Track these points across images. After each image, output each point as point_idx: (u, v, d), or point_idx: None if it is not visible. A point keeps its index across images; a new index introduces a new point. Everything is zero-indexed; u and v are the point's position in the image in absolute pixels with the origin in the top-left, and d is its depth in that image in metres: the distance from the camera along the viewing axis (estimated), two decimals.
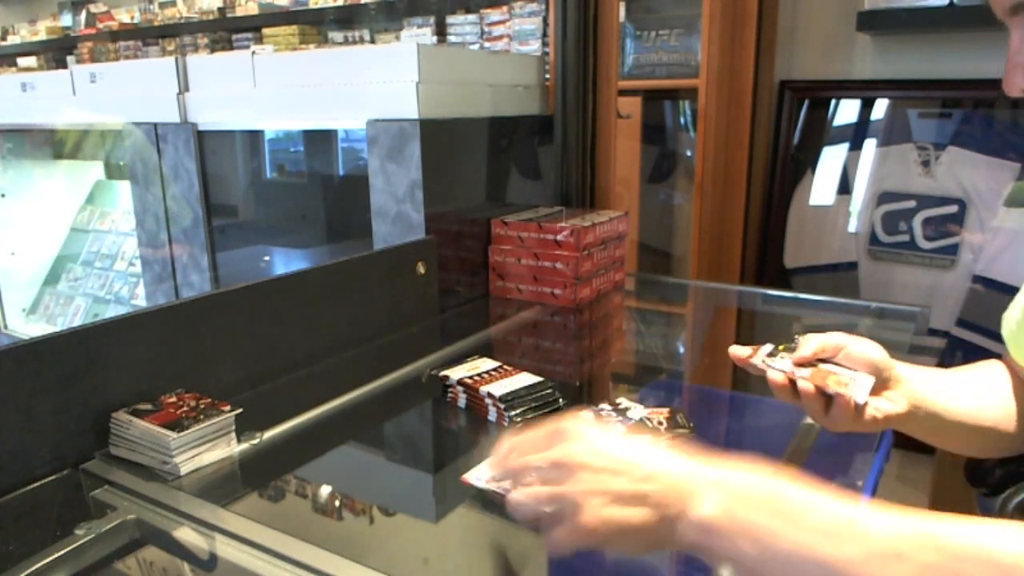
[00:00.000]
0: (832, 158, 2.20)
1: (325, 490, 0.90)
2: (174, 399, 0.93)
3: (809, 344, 0.78)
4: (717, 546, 0.50)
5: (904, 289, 2.08)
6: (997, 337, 0.83)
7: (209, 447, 0.88)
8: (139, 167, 1.90)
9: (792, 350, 0.80)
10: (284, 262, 1.96)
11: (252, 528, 0.73)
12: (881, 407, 0.75)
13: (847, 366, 0.78)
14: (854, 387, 0.74)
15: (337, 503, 0.88)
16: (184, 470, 0.85)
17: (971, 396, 0.80)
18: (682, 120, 2.56)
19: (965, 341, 1.94)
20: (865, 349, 0.78)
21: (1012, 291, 0.81)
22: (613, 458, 0.55)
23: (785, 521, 0.48)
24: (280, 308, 1.14)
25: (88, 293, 2.47)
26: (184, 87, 1.78)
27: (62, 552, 0.71)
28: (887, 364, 0.78)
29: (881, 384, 0.77)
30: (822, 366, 0.78)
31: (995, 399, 0.80)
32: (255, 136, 1.89)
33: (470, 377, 1.05)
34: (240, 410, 0.91)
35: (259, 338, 1.11)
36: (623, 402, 1.03)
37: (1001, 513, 0.81)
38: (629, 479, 0.54)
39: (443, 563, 0.77)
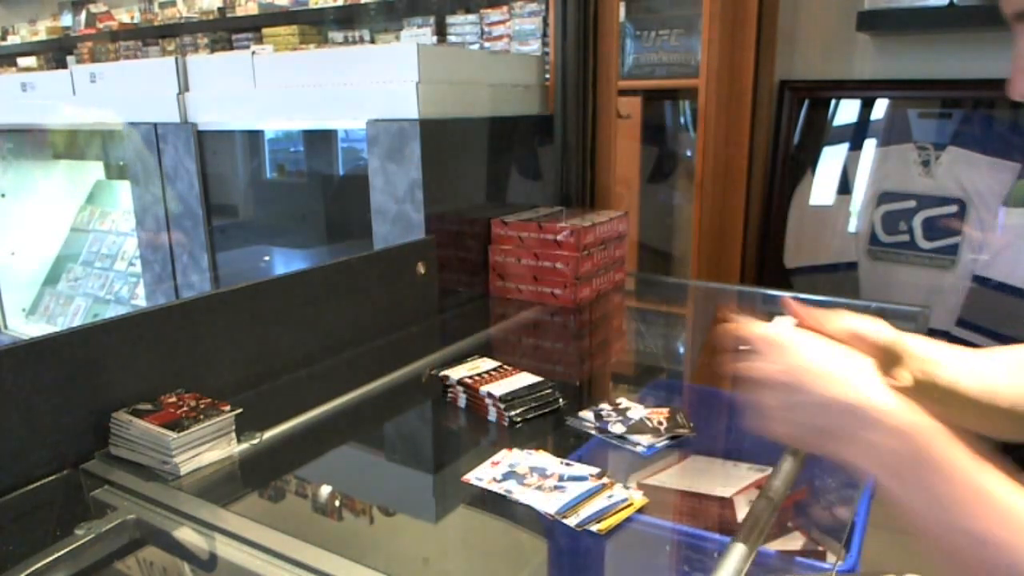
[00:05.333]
0: (832, 158, 2.20)
1: (325, 490, 0.90)
2: (174, 399, 0.93)
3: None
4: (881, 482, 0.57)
5: (904, 289, 2.08)
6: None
7: (209, 447, 0.88)
8: (139, 167, 1.90)
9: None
10: (284, 262, 1.96)
11: (252, 528, 0.73)
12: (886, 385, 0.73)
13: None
14: None
15: (337, 503, 0.88)
16: (184, 470, 0.85)
17: (988, 373, 0.77)
18: (682, 120, 2.56)
19: (965, 341, 1.94)
20: (868, 328, 0.75)
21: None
22: (806, 376, 0.62)
23: (923, 495, 0.53)
24: (280, 308, 1.14)
25: (88, 293, 2.47)
26: (184, 87, 1.78)
27: (62, 552, 0.71)
28: (890, 341, 0.75)
29: (887, 359, 0.74)
30: None
31: (1015, 378, 0.77)
32: (255, 136, 1.89)
33: (470, 377, 1.05)
34: (240, 410, 0.91)
35: (259, 338, 1.11)
36: (623, 402, 1.04)
37: None
38: (809, 402, 0.61)
39: (443, 563, 0.77)
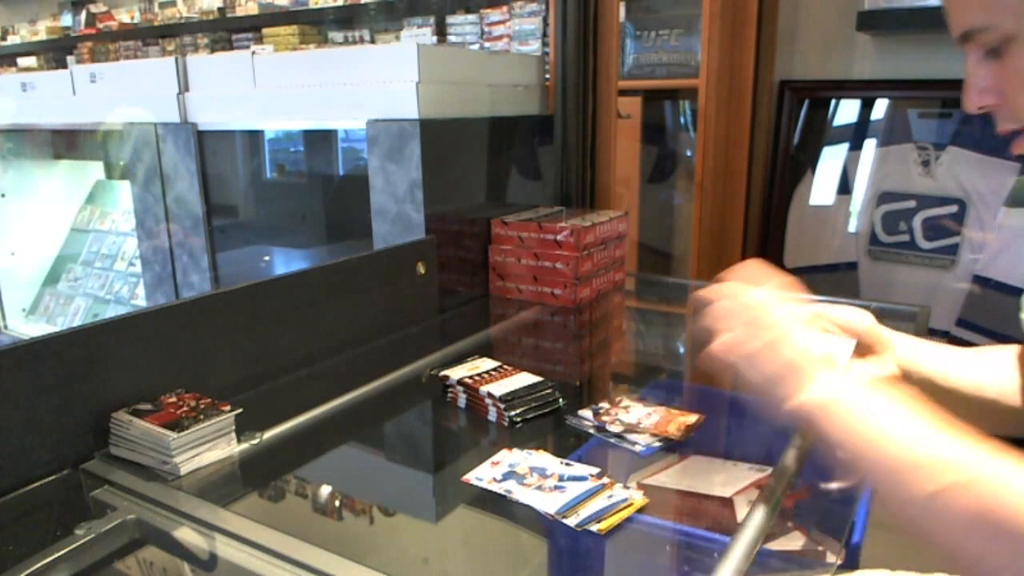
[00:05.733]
0: (832, 158, 2.20)
1: (325, 490, 0.90)
2: (174, 399, 0.93)
3: None
4: (811, 426, 0.62)
5: (904, 289, 2.08)
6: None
7: (209, 447, 0.88)
8: (139, 167, 1.90)
9: None
10: (284, 262, 1.96)
11: (252, 528, 0.73)
12: (866, 370, 0.77)
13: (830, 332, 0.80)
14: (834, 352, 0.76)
15: (337, 503, 0.88)
16: (184, 470, 0.85)
17: (974, 367, 0.80)
18: (682, 120, 2.57)
19: (965, 341, 1.94)
20: (844, 315, 0.81)
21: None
22: (768, 322, 0.68)
23: (865, 424, 0.59)
24: (280, 308, 1.14)
25: (88, 293, 2.47)
26: (184, 87, 1.78)
27: (62, 552, 0.71)
28: (871, 329, 0.80)
29: (868, 349, 0.79)
30: None
31: (1001, 374, 0.80)
32: (255, 136, 1.89)
33: (470, 377, 1.05)
34: (240, 410, 0.91)
35: (259, 338, 1.11)
36: (623, 401, 1.04)
37: None
38: (767, 347, 0.67)
39: (443, 563, 0.77)
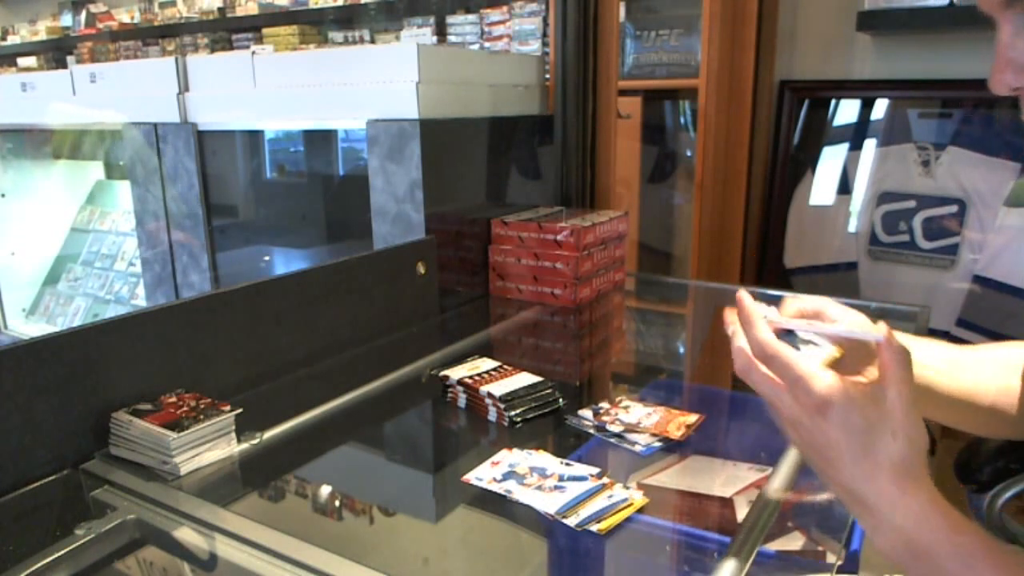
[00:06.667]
0: (832, 158, 2.20)
1: (325, 490, 0.90)
2: (174, 399, 0.93)
3: (787, 310, 0.72)
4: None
5: (904, 289, 2.08)
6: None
7: (209, 447, 0.88)
8: (139, 167, 1.90)
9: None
10: (284, 262, 1.96)
11: (252, 528, 0.73)
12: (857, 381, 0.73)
13: (819, 337, 0.69)
14: None
15: (337, 503, 0.88)
16: (184, 470, 0.85)
17: (971, 373, 0.78)
18: (682, 120, 2.56)
19: (965, 341, 1.94)
20: (845, 318, 0.74)
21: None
22: (823, 449, 0.59)
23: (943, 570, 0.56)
24: (280, 308, 1.14)
25: (88, 293, 2.47)
26: (184, 87, 1.78)
27: (62, 552, 0.71)
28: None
29: (859, 354, 0.71)
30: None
31: (998, 378, 0.78)
32: (255, 136, 1.89)
33: (470, 377, 1.05)
34: (240, 410, 0.91)
35: (259, 338, 1.11)
36: (623, 401, 1.04)
37: (990, 509, 0.81)
38: (837, 478, 0.59)
39: (443, 563, 0.77)
